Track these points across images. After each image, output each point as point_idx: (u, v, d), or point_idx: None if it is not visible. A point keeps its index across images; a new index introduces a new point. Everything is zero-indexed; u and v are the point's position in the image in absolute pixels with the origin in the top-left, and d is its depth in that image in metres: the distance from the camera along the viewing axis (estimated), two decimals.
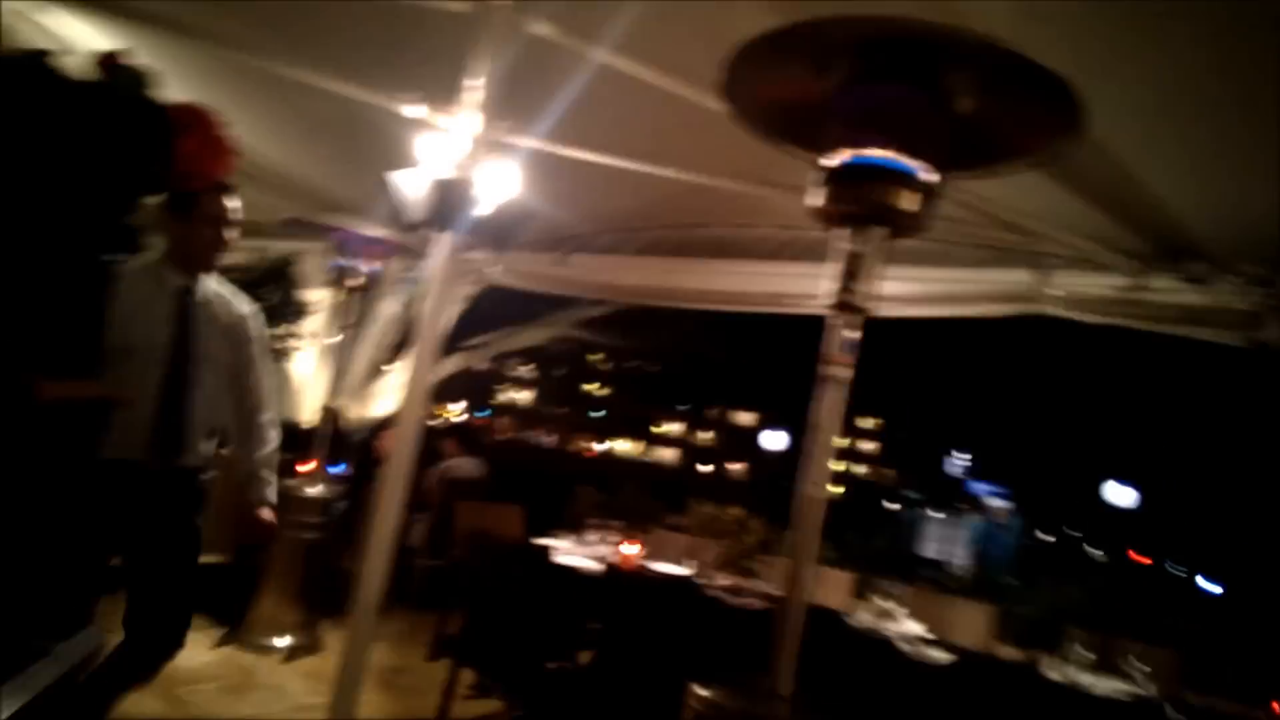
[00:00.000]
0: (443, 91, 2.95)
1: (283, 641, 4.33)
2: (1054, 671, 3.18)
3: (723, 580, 3.83)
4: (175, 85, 2.31)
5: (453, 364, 6.43)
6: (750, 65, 1.44)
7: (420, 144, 2.92)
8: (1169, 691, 3.22)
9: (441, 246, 2.97)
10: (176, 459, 2.55)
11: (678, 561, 4.23)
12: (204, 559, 2.71)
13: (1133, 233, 3.15)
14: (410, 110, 3.13)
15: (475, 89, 2.76)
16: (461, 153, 2.84)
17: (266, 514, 2.83)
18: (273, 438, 2.87)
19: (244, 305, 2.82)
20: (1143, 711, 2.93)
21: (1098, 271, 3.29)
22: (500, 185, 2.94)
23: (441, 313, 3.11)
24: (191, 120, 2.13)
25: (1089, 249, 3.26)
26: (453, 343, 6.19)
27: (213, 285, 2.70)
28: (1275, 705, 3.00)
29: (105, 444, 2.27)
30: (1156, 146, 2.56)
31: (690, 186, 3.60)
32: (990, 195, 3.20)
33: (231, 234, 2.65)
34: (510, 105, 2.93)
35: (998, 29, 1.44)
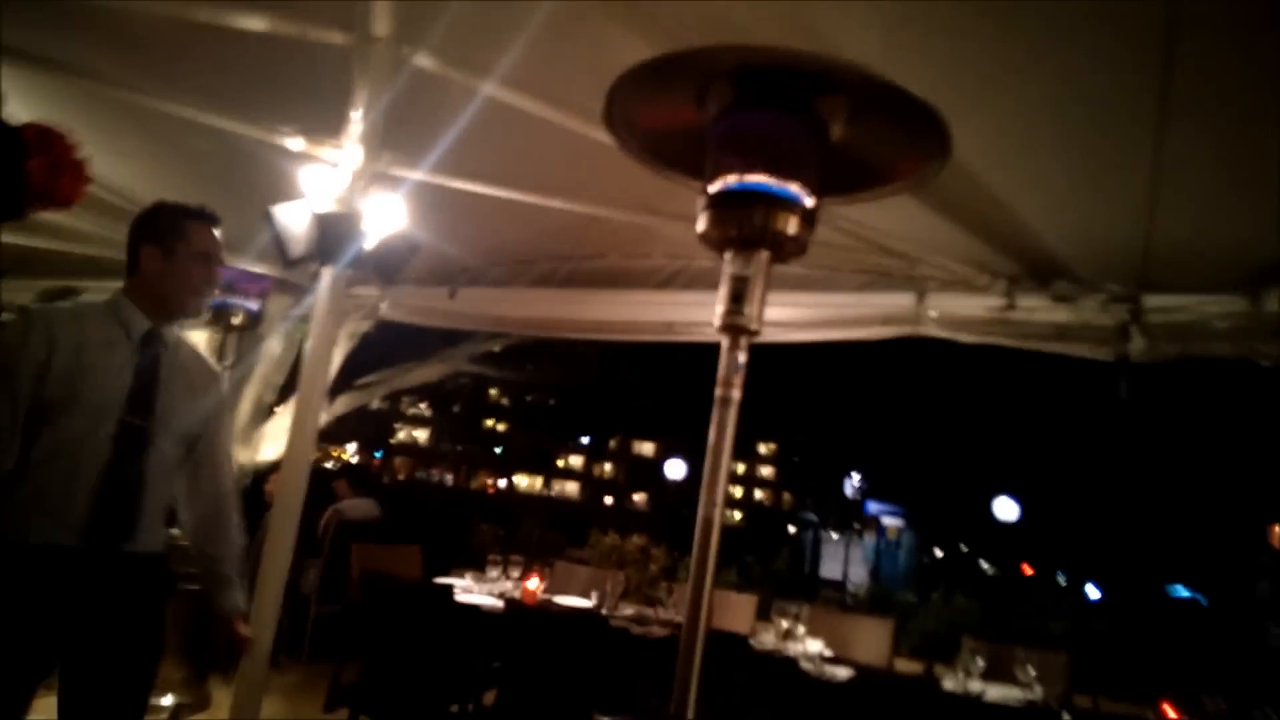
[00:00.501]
0: (327, 124, 2.88)
1: (167, 701, 4.07)
2: (950, 681, 3.27)
3: (628, 610, 3.79)
4: (41, 117, 2.18)
5: (344, 403, 6.22)
6: (631, 95, 1.45)
7: (303, 177, 2.84)
8: (1058, 694, 3.36)
9: (325, 281, 2.88)
10: (126, 542, 2.02)
11: (582, 594, 4.17)
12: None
13: (1004, 256, 3.32)
14: (290, 143, 3.03)
15: (357, 122, 2.71)
16: (344, 186, 2.78)
17: (244, 628, 2.33)
18: (239, 531, 2.34)
19: (213, 363, 2.43)
20: (1033, 716, 3.04)
21: (973, 293, 3.45)
22: (385, 218, 2.88)
23: (327, 350, 3.01)
24: (42, 141, 2.01)
25: (964, 272, 3.42)
26: (345, 381, 5.99)
27: (179, 334, 2.25)
28: (1164, 704, 3.15)
29: (29, 524, 1.90)
30: (1024, 174, 2.71)
31: (582, 217, 3.61)
32: (872, 222, 3.32)
33: (217, 274, 2.23)
34: (396, 138, 2.88)
35: (870, 59, 1.50)
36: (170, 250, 2.12)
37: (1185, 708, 2.96)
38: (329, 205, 2.73)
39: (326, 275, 2.85)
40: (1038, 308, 3.32)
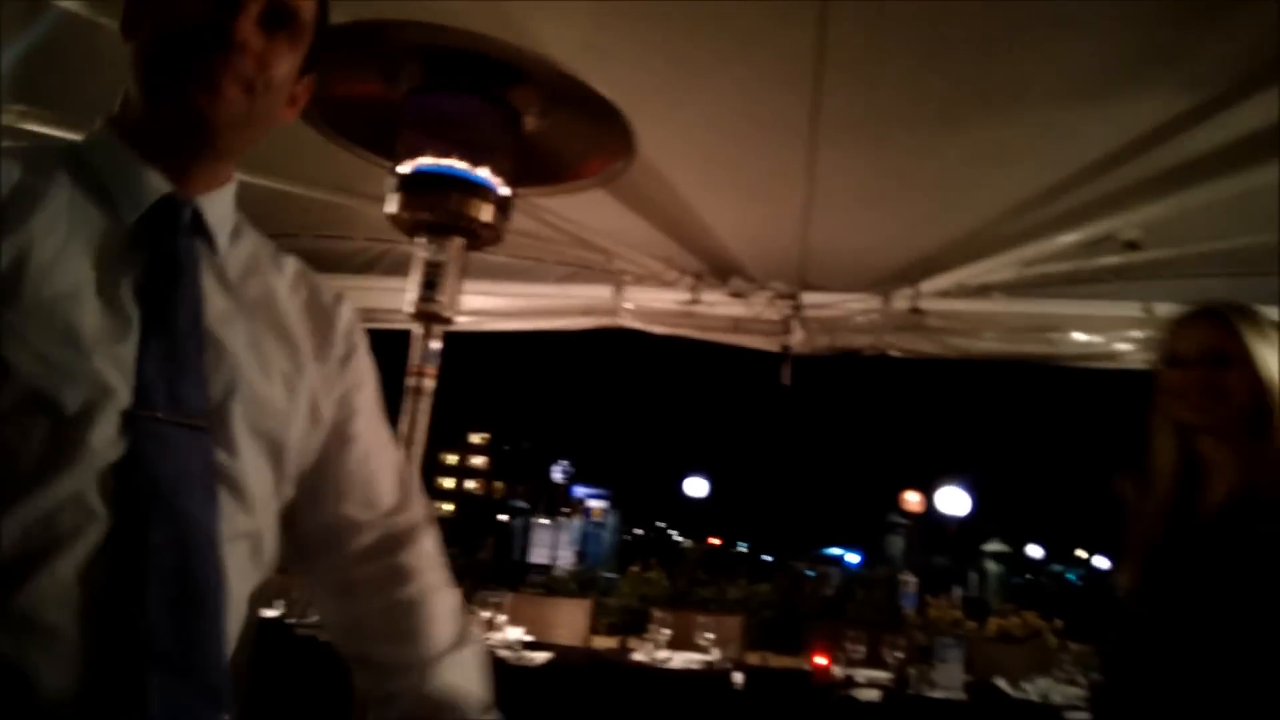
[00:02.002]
0: None
1: None
2: (639, 653, 3.48)
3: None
4: None
5: None
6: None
7: None
8: (733, 655, 3.70)
9: None
10: (184, 692, 0.77)
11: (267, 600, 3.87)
12: None
13: (690, 254, 3.57)
14: None
15: None
16: None
17: None
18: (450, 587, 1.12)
19: (324, 284, 1.12)
20: (711, 676, 3.32)
21: (663, 287, 3.68)
22: None
23: None
24: None
25: (656, 267, 3.63)
26: None
27: (240, 218, 1.01)
28: (814, 654, 3.55)
29: None
30: (705, 179, 2.93)
31: (273, 193, 3.33)
32: (572, 215, 3.41)
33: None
34: (46, 92, 2.46)
35: (568, 56, 1.55)
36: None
37: (832, 652, 3.41)
38: None
39: None
40: (718, 302, 3.62)
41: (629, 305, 3.64)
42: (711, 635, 3.41)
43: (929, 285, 3.27)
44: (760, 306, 3.58)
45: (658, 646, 3.51)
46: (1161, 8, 1.80)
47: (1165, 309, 2.95)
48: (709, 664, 3.44)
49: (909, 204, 2.87)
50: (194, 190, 0.91)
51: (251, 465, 0.87)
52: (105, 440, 0.75)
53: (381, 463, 1.06)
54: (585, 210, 3.32)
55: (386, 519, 1.04)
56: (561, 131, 1.51)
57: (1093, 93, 2.09)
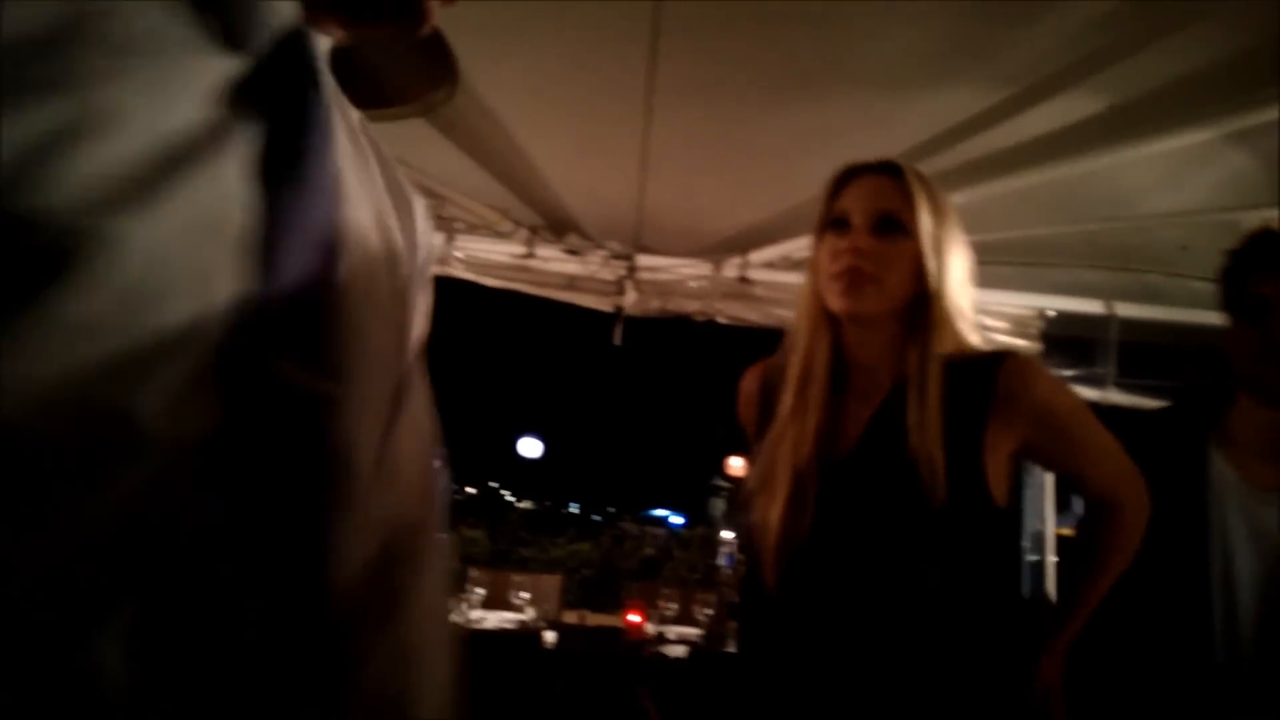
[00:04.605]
0: None
1: None
2: (453, 614, 3.42)
3: None
4: None
5: None
6: None
7: None
8: (549, 613, 3.72)
9: None
10: None
11: None
12: None
13: (528, 206, 3.49)
14: None
15: None
16: None
17: None
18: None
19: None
20: (523, 636, 3.32)
21: (498, 239, 3.59)
22: None
23: None
24: None
25: (491, 217, 3.53)
26: None
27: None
28: (628, 612, 3.63)
29: None
30: (544, 130, 2.85)
31: None
32: (405, 157, 3.25)
33: None
34: None
35: None
36: None
37: (646, 610, 3.49)
38: None
39: None
40: (553, 258, 3.57)
41: (460, 254, 3.53)
42: (527, 595, 3.41)
43: (757, 256, 3.36)
44: (595, 265, 3.56)
45: (471, 606, 3.47)
46: (977, 4, 1.89)
47: None
48: (523, 623, 3.44)
49: (740, 174, 2.92)
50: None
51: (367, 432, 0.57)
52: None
53: None
54: (415, 150, 3.16)
55: None
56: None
57: (909, 82, 2.18)
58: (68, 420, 0.34)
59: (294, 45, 0.50)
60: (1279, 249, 1.46)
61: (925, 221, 1.23)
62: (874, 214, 1.25)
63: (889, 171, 1.28)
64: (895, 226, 1.24)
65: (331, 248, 0.47)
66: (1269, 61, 1.87)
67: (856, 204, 1.27)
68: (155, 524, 0.36)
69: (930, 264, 1.22)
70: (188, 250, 0.39)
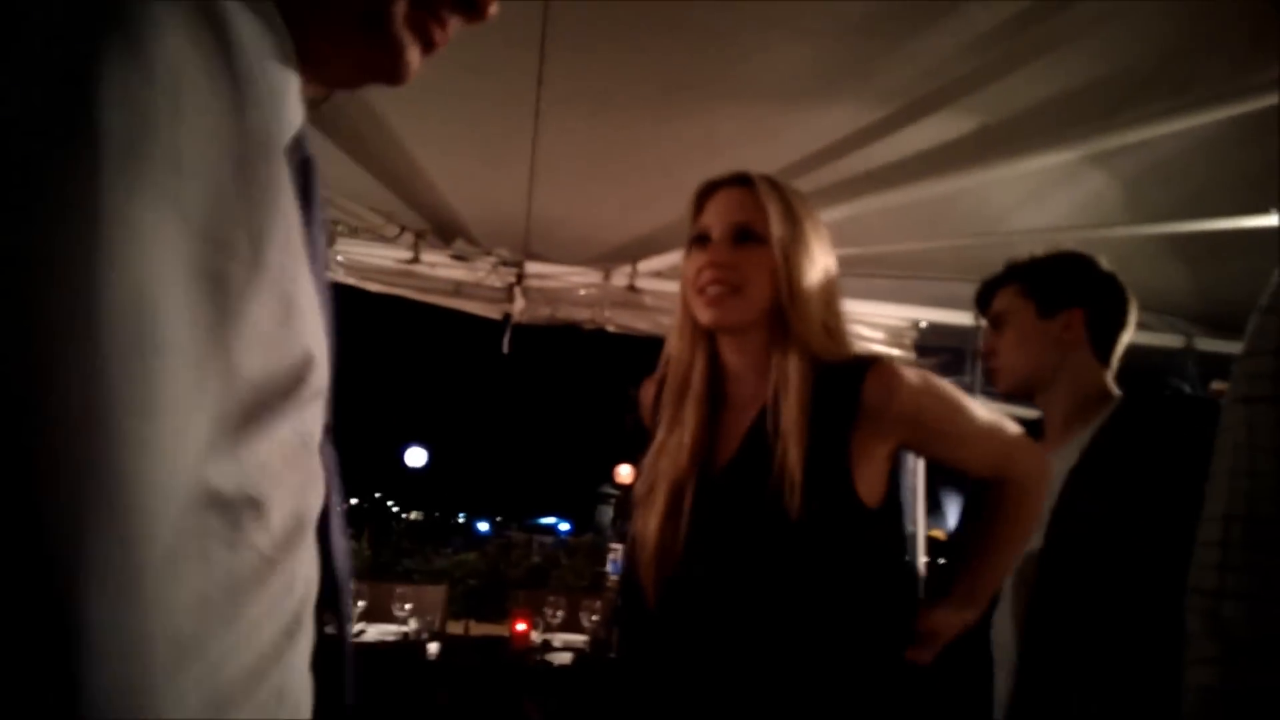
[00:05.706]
0: None
1: None
2: (330, 627, 3.29)
3: None
4: None
5: None
6: None
7: None
8: (432, 624, 3.62)
9: None
10: None
11: None
12: None
13: (414, 211, 3.42)
14: None
15: None
16: None
17: None
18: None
19: None
20: (404, 647, 3.23)
21: (383, 244, 3.49)
22: None
23: None
24: None
25: (375, 221, 3.43)
26: None
27: None
28: (515, 621, 3.55)
29: None
30: (432, 134, 2.80)
31: None
32: None
33: None
34: None
35: None
36: None
37: (532, 618, 3.45)
38: None
39: None
40: (440, 264, 3.50)
41: (341, 258, 3.41)
42: (410, 606, 3.32)
43: (645, 265, 3.39)
44: (484, 272, 3.51)
45: (353, 620, 3.35)
46: (862, 21, 1.97)
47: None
48: (405, 635, 3.34)
49: (628, 183, 2.95)
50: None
51: None
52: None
53: None
54: None
55: None
56: None
57: (793, 97, 2.26)
58: None
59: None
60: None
61: (777, 229, 1.25)
62: (730, 226, 1.28)
63: (743, 183, 1.31)
64: (750, 236, 1.26)
65: None
66: (1127, 88, 2.03)
67: (715, 218, 1.30)
68: None
69: (781, 270, 1.25)
70: None
